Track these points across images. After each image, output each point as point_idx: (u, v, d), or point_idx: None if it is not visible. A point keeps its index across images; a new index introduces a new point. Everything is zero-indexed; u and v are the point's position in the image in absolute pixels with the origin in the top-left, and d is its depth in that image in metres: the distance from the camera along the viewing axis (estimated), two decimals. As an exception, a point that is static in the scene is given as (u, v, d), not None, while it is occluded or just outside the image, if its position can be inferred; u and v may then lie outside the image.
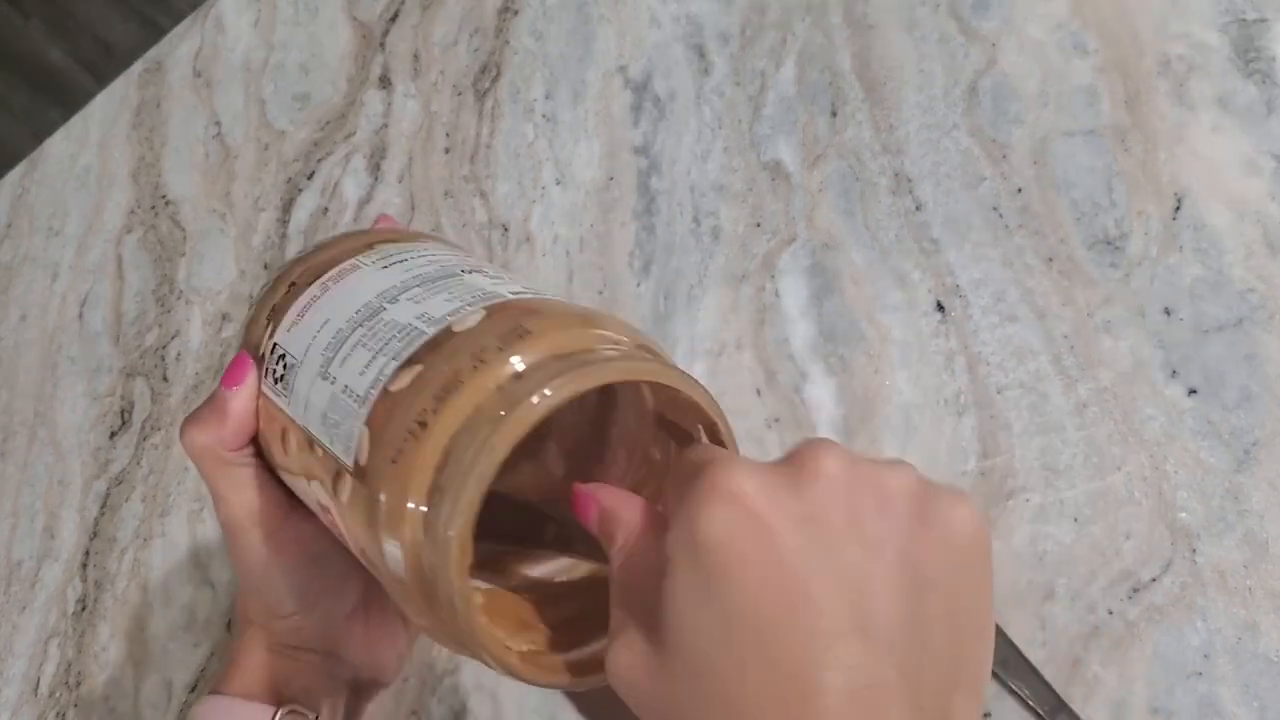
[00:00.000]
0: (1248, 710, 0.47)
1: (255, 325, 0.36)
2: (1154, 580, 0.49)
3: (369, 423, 0.30)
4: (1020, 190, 0.57)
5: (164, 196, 0.66)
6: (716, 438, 0.31)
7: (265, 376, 0.34)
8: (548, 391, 0.27)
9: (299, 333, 0.34)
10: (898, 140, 0.59)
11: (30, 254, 0.66)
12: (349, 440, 0.30)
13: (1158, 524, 0.50)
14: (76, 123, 0.69)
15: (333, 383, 0.31)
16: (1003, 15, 0.61)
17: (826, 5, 0.63)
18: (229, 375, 0.34)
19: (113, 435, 0.60)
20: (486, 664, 0.29)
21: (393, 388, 0.29)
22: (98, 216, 0.66)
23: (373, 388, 0.30)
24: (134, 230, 0.65)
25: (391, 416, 0.29)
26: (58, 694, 0.56)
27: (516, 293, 0.32)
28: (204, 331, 0.62)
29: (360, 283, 0.34)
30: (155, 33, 0.72)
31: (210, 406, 0.35)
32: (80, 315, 0.64)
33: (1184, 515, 0.50)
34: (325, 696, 0.37)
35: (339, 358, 0.32)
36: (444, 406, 0.28)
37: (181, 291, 0.63)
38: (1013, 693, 0.48)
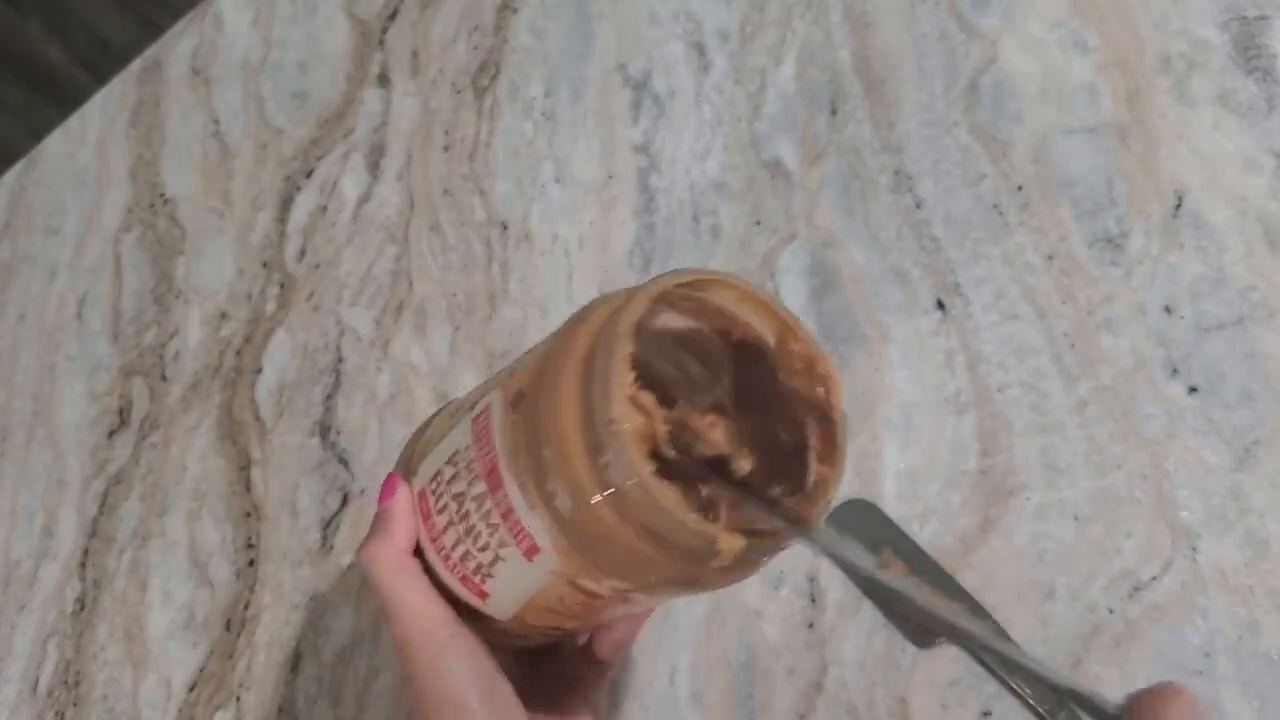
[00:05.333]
0: (1248, 709, 0.47)
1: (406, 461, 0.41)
2: (1154, 579, 0.49)
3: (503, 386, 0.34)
4: (1021, 188, 0.57)
5: (162, 195, 0.65)
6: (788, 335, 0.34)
7: (414, 477, 0.39)
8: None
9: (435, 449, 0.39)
10: (898, 138, 0.59)
11: (29, 253, 0.66)
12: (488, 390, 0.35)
13: (1158, 523, 0.50)
14: (74, 121, 0.69)
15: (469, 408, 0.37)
16: (1003, 12, 0.60)
17: (826, 3, 0.63)
18: (382, 493, 0.38)
19: (111, 434, 0.60)
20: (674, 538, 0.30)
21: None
22: (96, 215, 0.66)
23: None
24: (132, 229, 0.65)
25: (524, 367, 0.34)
26: (56, 693, 0.55)
27: None
28: (202, 330, 0.61)
29: None
30: (153, 31, 0.72)
31: (375, 523, 0.38)
32: (79, 314, 0.63)
33: (1184, 514, 0.50)
34: None
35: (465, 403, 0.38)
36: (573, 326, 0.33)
37: (180, 290, 0.63)
38: (1013, 692, 0.48)
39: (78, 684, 0.55)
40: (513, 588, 0.35)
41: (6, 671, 0.56)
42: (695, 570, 0.32)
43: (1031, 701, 0.48)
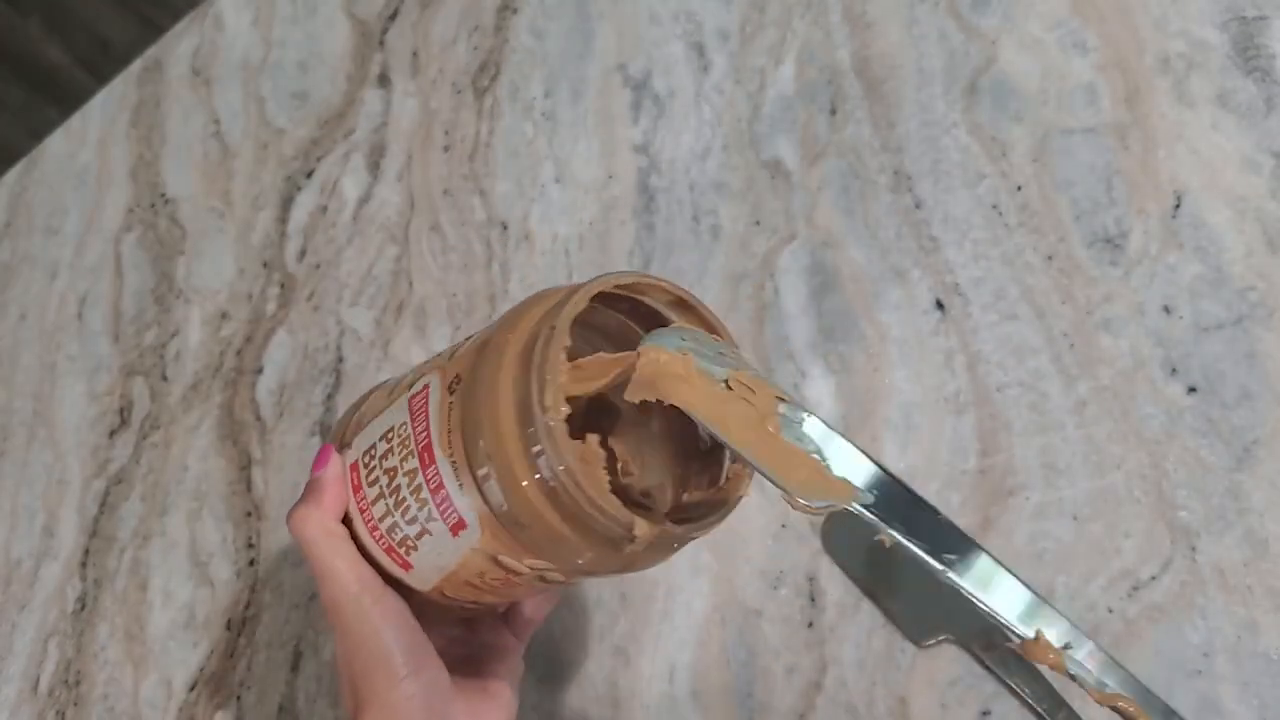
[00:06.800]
0: (1248, 709, 0.47)
1: (337, 433, 0.42)
2: (1154, 579, 0.49)
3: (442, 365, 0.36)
4: (1020, 188, 0.57)
5: (163, 195, 0.66)
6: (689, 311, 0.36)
7: (348, 449, 0.40)
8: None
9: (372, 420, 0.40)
10: (897, 138, 0.59)
11: (29, 253, 0.66)
12: (423, 374, 0.36)
13: (1157, 522, 0.50)
14: (75, 121, 0.69)
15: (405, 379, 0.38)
16: (1002, 12, 0.60)
17: (826, 3, 0.63)
18: (316, 462, 0.40)
19: (112, 434, 0.60)
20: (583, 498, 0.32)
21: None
22: (97, 215, 0.66)
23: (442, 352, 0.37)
24: (133, 229, 0.65)
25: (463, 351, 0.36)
26: (57, 692, 0.56)
27: None
28: (203, 330, 0.62)
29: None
30: (154, 31, 0.72)
31: (306, 490, 0.39)
32: (79, 314, 0.64)
33: (1184, 514, 0.50)
34: None
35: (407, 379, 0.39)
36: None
37: (180, 290, 0.63)
38: (1013, 691, 0.48)
39: (78, 683, 0.56)
40: (436, 561, 0.36)
41: (7, 671, 0.56)
42: (611, 553, 0.33)
43: (1031, 701, 0.48)
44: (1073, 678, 0.32)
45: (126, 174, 0.66)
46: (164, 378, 0.61)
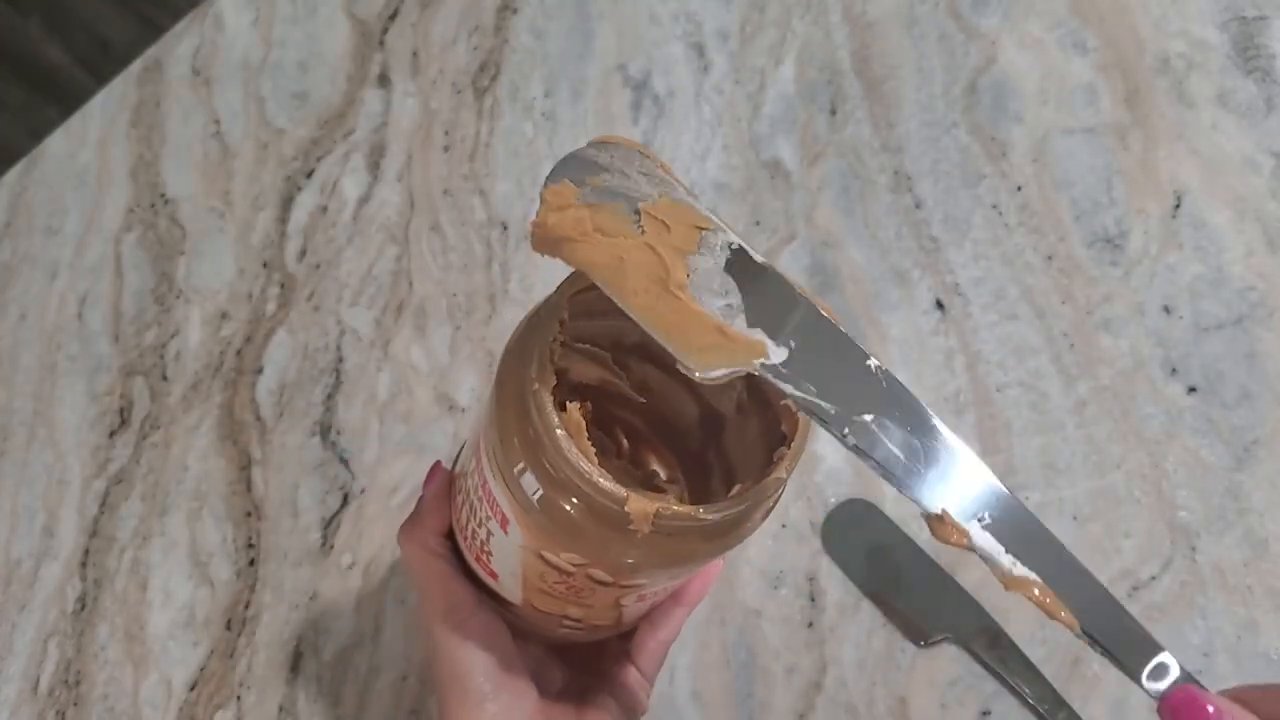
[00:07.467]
0: (1247, 708, 0.47)
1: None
2: (1154, 579, 0.49)
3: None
4: (1020, 188, 0.57)
5: (163, 195, 0.66)
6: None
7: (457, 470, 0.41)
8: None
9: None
10: (897, 138, 0.59)
11: (29, 253, 0.66)
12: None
13: (1157, 522, 0.50)
14: (75, 121, 0.69)
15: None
16: (1002, 13, 0.61)
17: (826, 3, 0.63)
18: (426, 479, 0.41)
19: (112, 434, 0.60)
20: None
21: None
22: (97, 215, 0.66)
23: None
24: (133, 229, 0.65)
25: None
26: (57, 693, 0.56)
27: None
28: (203, 330, 0.62)
29: None
30: (154, 31, 0.72)
31: (415, 507, 0.41)
32: (79, 314, 0.63)
33: (1184, 514, 0.50)
34: None
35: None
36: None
37: (181, 290, 0.63)
38: (1013, 691, 0.48)
39: (78, 683, 0.56)
40: (507, 565, 0.36)
41: (7, 671, 0.56)
42: (620, 539, 0.31)
43: (1032, 701, 0.48)
44: (982, 558, 0.29)
45: (126, 174, 0.66)
46: (164, 378, 0.61)
